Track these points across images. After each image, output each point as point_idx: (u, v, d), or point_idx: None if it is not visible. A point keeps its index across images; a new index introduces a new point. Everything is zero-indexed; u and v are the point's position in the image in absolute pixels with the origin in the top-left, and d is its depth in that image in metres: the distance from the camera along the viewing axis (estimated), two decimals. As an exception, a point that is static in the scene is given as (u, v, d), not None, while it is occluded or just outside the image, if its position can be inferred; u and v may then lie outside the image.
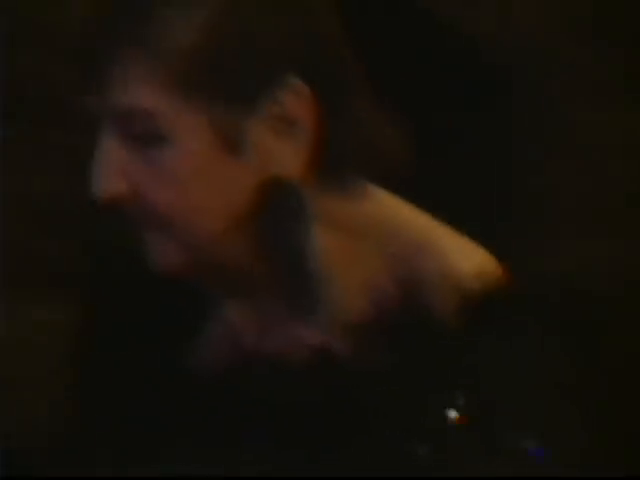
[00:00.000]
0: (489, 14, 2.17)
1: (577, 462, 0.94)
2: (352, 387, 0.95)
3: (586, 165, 2.31)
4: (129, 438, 1.03)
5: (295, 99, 0.94)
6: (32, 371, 2.15)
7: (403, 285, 0.96)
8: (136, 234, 0.98)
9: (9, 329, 2.06)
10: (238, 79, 0.93)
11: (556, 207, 2.42)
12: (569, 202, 2.34)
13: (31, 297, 2.24)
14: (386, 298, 0.96)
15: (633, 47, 2.32)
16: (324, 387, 0.96)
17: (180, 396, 1.00)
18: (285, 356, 0.97)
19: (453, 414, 0.94)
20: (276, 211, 0.96)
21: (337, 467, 0.94)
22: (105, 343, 1.09)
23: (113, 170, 0.95)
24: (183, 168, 0.93)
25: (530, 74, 2.23)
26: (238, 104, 0.94)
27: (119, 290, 1.09)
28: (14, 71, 2.21)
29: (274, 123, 0.95)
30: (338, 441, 0.94)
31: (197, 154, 0.93)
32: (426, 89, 2.12)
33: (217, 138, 0.93)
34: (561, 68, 2.25)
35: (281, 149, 0.95)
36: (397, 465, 0.93)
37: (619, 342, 1.01)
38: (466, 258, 0.97)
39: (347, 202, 0.98)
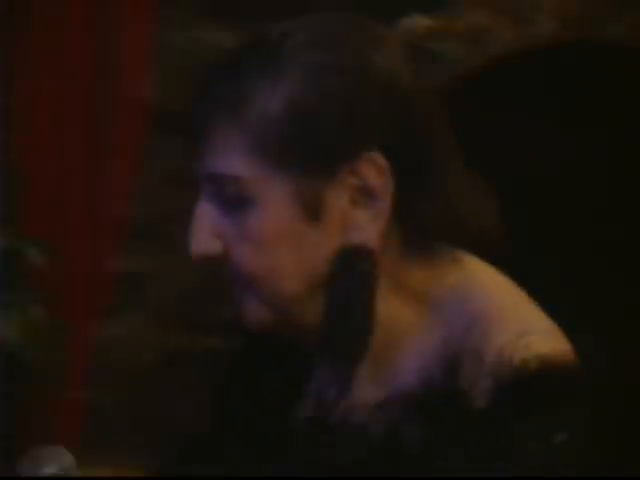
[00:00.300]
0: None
1: None
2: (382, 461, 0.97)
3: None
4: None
5: (373, 170, 1.00)
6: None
7: (450, 363, 0.98)
8: (229, 292, 1.06)
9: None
10: (320, 152, 1.00)
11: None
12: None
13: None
14: (431, 377, 0.98)
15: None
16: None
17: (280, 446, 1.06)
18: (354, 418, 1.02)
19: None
20: (348, 276, 1.01)
21: None
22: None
23: (207, 231, 1.04)
24: (267, 232, 1.00)
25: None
26: (319, 174, 1.00)
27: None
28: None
29: (352, 193, 1.01)
30: None
31: (280, 219, 1.00)
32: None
33: (298, 205, 1.00)
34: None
35: (358, 218, 1.01)
36: None
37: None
38: (530, 332, 0.98)
39: (428, 269, 1.04)
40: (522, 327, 0.98)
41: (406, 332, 1.05)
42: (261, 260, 1.01)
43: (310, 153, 1.00)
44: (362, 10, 1.12)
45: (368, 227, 1.01)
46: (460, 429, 0.94)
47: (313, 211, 1.01)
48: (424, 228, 1.03)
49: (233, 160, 1.01)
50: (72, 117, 2.95)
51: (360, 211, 1.01)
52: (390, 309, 1.04)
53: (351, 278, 1.02)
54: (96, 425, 2.95)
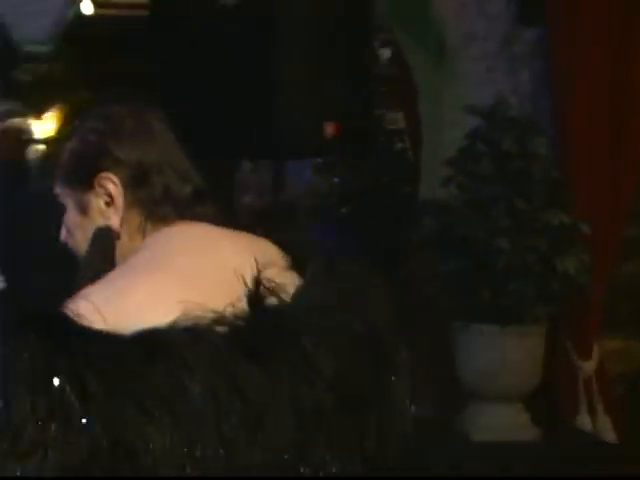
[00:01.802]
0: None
1: None
2: None
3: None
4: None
5: (111, 184, 1.64)
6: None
7: None
8: None
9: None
10: (82, 177, 1.69)
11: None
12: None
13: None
14: None
15: None
16: None
17: None
18: None
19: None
20: (102, 242, 1.64)
21: None
22: None
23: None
24: (69, 222, 1.70)
25: None
26: (84, 189, 1.68)
27: None
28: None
29: (104, 198, 1.62)
30: None
31: (71, 216, 1.69)
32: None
33: (77, 207, 1.66)
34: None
35: (107, 212, 1.62)
36: None
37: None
38: None
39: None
40: None
41: (126, 256, 1.57)
42: (70, 237, 1.69)
43: (77, 178, 1.65)
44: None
45: (112, 216, 1.61)
46: None
47: (84, 210, 1.64)
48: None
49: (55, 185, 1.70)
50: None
51: (108, 208, 1.62)
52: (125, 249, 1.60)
53: (104, 241, 1.62)
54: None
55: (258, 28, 2.43)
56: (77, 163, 1.65)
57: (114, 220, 1.60)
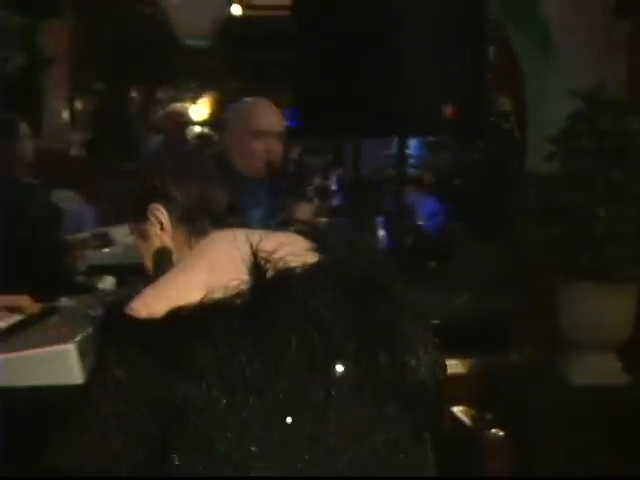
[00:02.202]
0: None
1: None
2: None
3: None
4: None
5: (161, 215, 1.81)
6: None
7: None
8: None
9: None
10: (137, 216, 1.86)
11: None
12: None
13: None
14: None
15: None
16: None
17: None
18: None
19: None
20: (163, 258, 1.78)
21: None
22: None
23: None
24: (138, 246, 1.88)
25: None
26: (141, 221, 1.85)
27: None
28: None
29: (157, 225, 1.80)
30: None
31: (137, 241, 1.86)
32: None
33: (139, 235, 1.84)
34: None
35: (162, 236, 1.79)
36: None
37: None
38: None
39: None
40: None
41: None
42: (145, 261, 1.81)
43: (137, 212, 1.80)
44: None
45: (165, 239, 1.75)
46: None
47: (145, 237, 1.79)
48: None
49: None
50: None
51: (161, 232, 1.76)
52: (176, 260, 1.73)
53: (163, 258, 1.75)
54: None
55: (390, 23, 2.43)
56: (136, 200, 1.83)
57: (167, 242, 1.77)
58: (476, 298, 4.77)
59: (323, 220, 4.23)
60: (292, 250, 1.53)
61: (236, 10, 6.74)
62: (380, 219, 5.15)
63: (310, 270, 1.50)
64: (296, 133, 3.38)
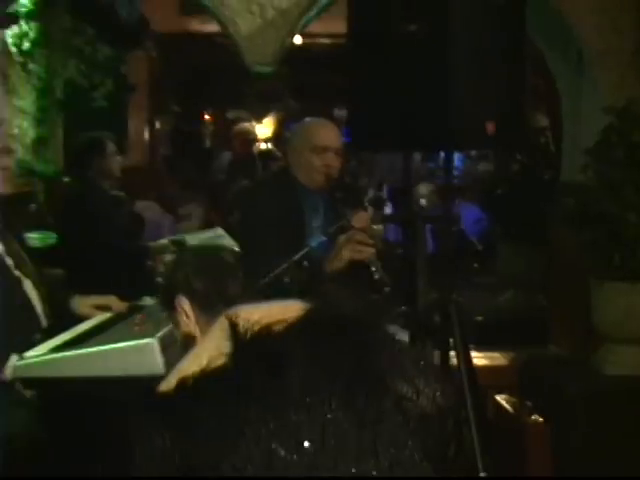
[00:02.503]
0: None
1: None
2: None
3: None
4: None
5: (186, 305, 1.97)
6: None
7: None
8: None
9: None
10: (166, 304, 2.03)
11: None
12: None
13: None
14: None
15: None
16: None
17: None
18: None
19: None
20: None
21: None
22: None
23: None
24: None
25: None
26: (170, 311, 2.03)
27: None
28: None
29: (184, 314, 1.97)
30: None
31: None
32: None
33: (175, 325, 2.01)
34: None
35: (188, 323, 1.96)
36: None
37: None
38: None
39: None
40: None
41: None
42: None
43: (167, 304, 1.97)
44: None
45: (191, 325, 1.89)
46: None
47: (176, 324, 1.93)
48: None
49: None
50: None
51: (187, 320, 1.90)
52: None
53: (188, 342, 1.85)
54: None
55: (437, 48, 2.41)
56: (164, 293, 1.98)
57: (192, 327, 1.89)
58: (517, 297, 4.73)
59: (378, 227, 4.22)
60: (281, 316, 1.20)
61: (297, 40, 6.78)
62: (428, 225, 5.14)
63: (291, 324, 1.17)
64: (353, 148, 3.37)
